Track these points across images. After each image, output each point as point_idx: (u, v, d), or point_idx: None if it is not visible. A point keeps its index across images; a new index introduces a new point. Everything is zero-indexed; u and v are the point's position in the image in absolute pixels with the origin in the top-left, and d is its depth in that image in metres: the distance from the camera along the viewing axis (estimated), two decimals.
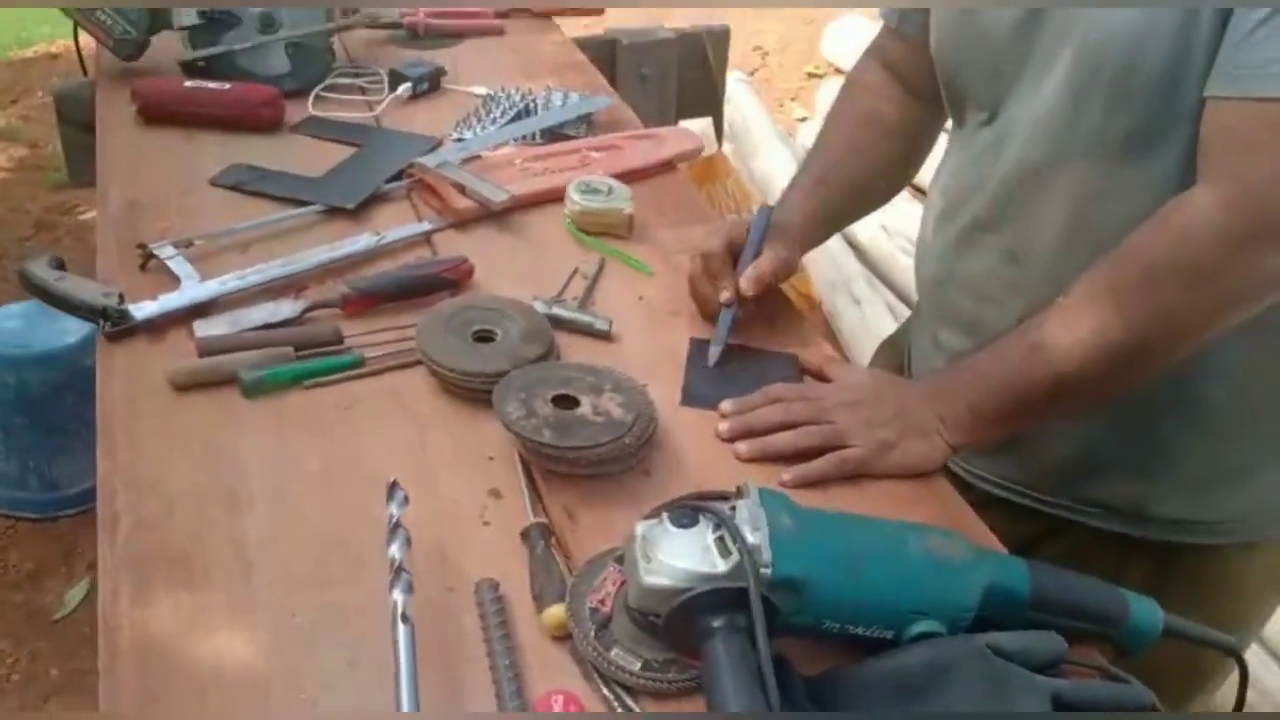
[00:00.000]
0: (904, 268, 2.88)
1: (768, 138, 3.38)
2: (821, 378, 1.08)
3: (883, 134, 1.20)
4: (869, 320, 2.78)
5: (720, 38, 2.23)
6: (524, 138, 1.48)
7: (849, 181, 1.20)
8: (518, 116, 1.52)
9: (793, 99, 4.34)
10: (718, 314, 1.10)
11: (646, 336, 1.14)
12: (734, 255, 1.12)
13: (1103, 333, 0.90)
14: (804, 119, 4.05)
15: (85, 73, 1.74)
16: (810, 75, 4.48)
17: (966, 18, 1.02)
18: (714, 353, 1.07)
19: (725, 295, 1.09)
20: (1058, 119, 0.95)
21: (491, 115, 1.52)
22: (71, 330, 2.16)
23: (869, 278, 2.95)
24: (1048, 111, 0.96)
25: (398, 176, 1.37)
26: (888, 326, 2.72)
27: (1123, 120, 0.91)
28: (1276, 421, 1.02)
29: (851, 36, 4.10)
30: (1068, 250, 0.98)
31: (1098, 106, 0.92)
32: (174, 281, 1.14)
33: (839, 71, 4.12)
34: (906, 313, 2.81)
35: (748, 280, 1.08)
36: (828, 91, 3.91)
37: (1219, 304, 0.88)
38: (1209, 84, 0.86)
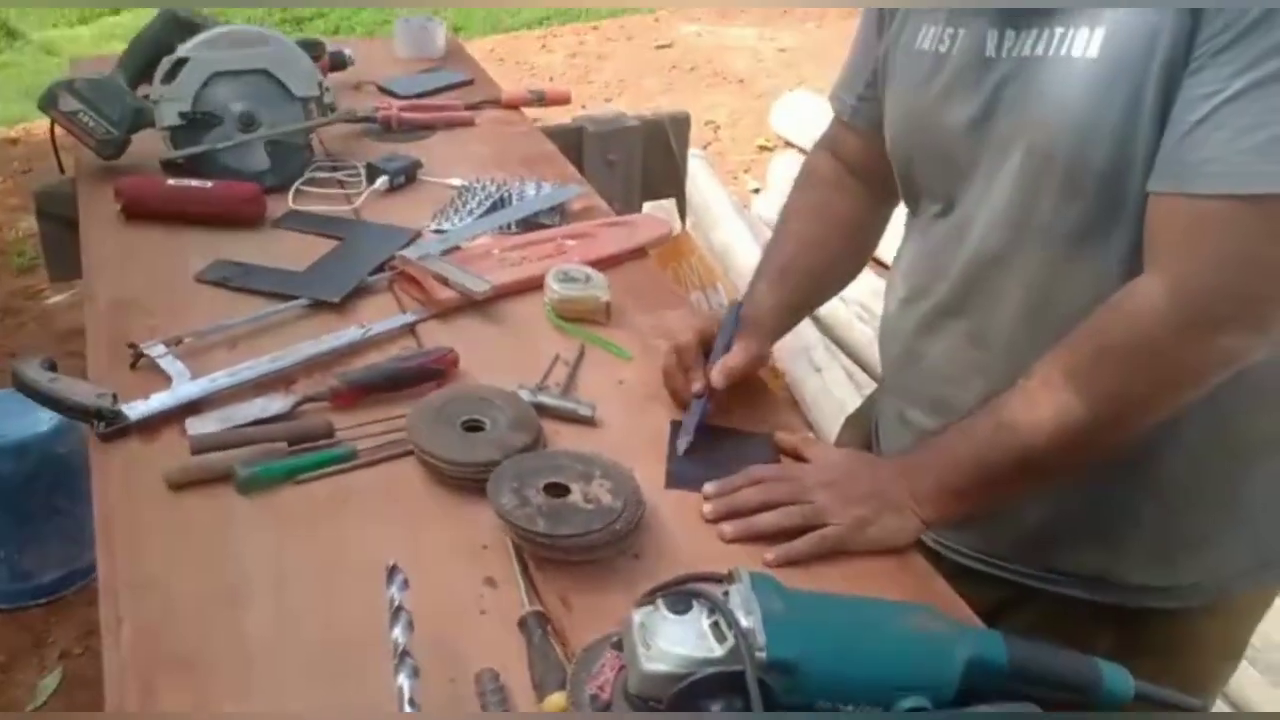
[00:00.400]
0: (860, 334, 2.95)
1: (725, 210, 3.46)
2: (799, 457, 1.11)
3: (837, 225, 1.26)
4: (829, 386, 2.84)
5: (681, 123, 2.31)
6: (501, 228, 1.52)
7: (809, 271, 1.26)
8: (493, 207, 1.56)
9: (746, 171, 4.45)
10: (690, 404, 1.14)
11: (628, 420, 1.17)
12: (706, 347, 1.16)
13: (1064, 411, 0.95)
14: (757, 190, 4.15)
15: (62, 169, 1.76)
16: (761, 148, 4.61)
17: (920, 112, 1.08)
18: (683, 442, 1.10)
19: (697, 386, 1.14)
20: (1013, 211, 1.00)
21: (468, 206, 1.56)
22: (44, 419, 2.15)
23: (828, 345, 3.02)
24: (1003, 204, 1.01)
25: (380, 268, 1.40)
26: (847, 392, 2.78)
27: (1074, 212, 0.97)
28: (1232, 490, 1.07)
29: (798, 111, 4.23)
30: (1028, 333, 1.02)
31: (1050, 199, 0.97)
32: (165, 380, 1.16)
33: (789, 144, 4.24)
34: (864, 378, 2.88)
35: (718, 373, 1.13)
36: (779, 163, 4.02)
37: (1170, 385, 0.93)
38: (1152, 180, 0.91)
